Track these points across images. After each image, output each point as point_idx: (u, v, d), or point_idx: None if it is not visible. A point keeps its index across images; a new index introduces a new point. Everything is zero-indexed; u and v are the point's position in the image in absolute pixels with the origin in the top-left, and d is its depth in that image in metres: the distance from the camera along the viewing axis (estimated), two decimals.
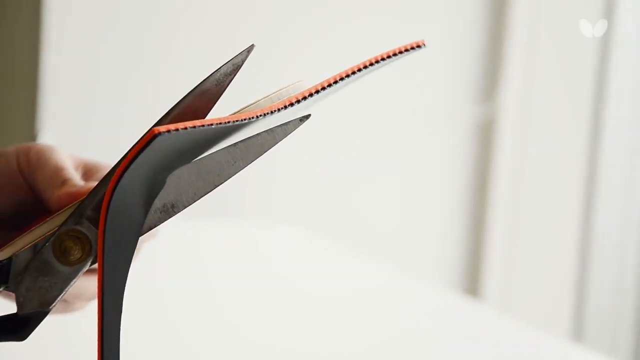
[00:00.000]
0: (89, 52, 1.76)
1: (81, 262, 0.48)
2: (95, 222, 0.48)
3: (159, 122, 0.49)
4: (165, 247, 0.99)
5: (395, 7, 1.97)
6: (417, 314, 1.07)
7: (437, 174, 2.09)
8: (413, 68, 2.00)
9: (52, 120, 1.73)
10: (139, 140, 0.41)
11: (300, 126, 0.51)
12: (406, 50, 0.49)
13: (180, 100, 0.50)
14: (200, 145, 0.46)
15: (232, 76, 0.50)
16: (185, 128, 0.40)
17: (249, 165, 0.48)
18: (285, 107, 0.45)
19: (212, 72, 0.50)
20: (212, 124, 0.42)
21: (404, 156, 2.05)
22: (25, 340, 0.48)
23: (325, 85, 0.47)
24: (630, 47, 2.11)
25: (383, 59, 0.48)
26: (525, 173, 2.13)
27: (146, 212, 0.46)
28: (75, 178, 0.58)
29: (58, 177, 0.57)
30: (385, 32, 1.90)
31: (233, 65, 0.50)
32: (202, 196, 0.48)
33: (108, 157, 0.59)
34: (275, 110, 0.45)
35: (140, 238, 0.46)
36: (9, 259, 0.48)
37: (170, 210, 0.47)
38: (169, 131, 0.39)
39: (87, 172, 0.61)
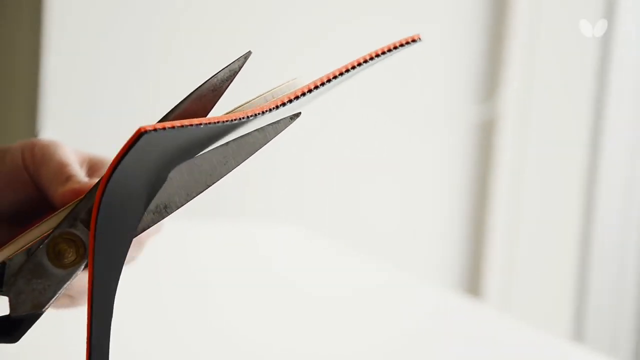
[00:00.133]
0: (89, 52, 1.76)
1: (75, 264, 0.48)
2: (89, 224, 0.48)
3: None
4: (166, 247, 0.99)
5: (395, 7, 1.97)
6: (417, 314, 1.07)
7: (437, 174, 2.09)
8: (413, 68, 2.00)
9: (52, 120, 1.73)
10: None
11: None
12: (401, 45, 0.48)
13: (177, 105, 0.50)
14: (197, 145, 0.45)
15: (228, 82, 0.50)
16: (173, 127, 0.40)
17: (240, 165, 0.48)
18: (277, 107, 0.45)
19: (209, 77, 0.50)
20: (200, 124, 0.42)
21: (404, 156, 2.05)
22: (17, 342, 0.48)
23: (318, 84, 0.46)
24: (631, 47, 2.11)
25: (378, 55, 0.48)
26: (526, 173, 2.13)
27: (144, 211, 0.46)
28: (80, 174, 0.58)
29: (62, 173, 0.57)
30: (385, 32, 1.90)
31: (230, 71, 0.50)
32: (194, 196, 0.48)
33: (108, 157, 0.59)
34: (266, 111, 0.45)
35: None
36: (2, 263, 0.48)
37: (163, 211, 0.47)
38: (155, 130, 0.39)
39: (93, 167, 0.61)
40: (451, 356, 0.92)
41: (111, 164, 0.41)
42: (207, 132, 0.43)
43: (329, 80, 0.46)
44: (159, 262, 1.09)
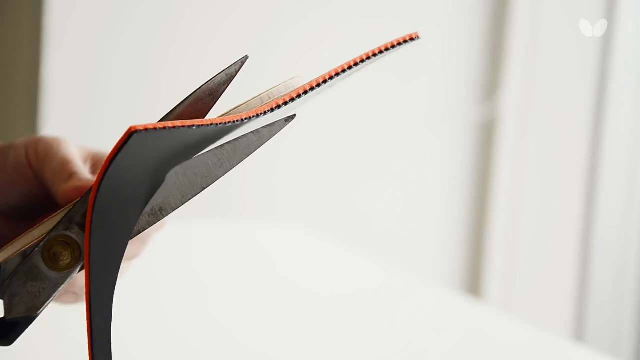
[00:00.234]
0: (89, 51, 1.76)
1: (70, 267, 0.48)
2: (84, 227, 0.48)
3: None
4: (166, 246, 0.99)
5: (395, 7, 1.97)
6: (417, 314, 1.07)
7: (437, 173, 2.09)
8: (414, 68, 2.00)
9: (52, 119, 1.73)
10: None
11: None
12: (399, 43, 0.48)
13: (173, 109, 0.49)
14: (193, 147, 0.45)
15: (225, 86, 0.50)
16: (164, 127, 0.40)
17: (235, 167, 0.48)
18: (272, 109, 0.45)
19: (206, 81, 0.50)
20: (192, 126, 0.41)
21: (404, 156, 2.05)
22: (12, 345, 0.48)
23: (314, 85, 0.46)
24: (631, 47, 2.11)
25: (375, 55, 0.47)
26: (526, 173, 2.13)
27: (141, 213, 0.46)
28: (83, 171, 0.57)
29: (65, 170, 0.57)
30: (385, 32, 1.90)
31: (227, 75, 0.50)
32: (190, 199, 0.47)
33: None
34: (261, 113, 0.45)
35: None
36: None
37: (158, 214, 0.47)
38: (146, 130, 0.39)
39: (97, 163, 0.61)
40: (451, 356, 0.92)
41: (103, 165, 0.41)
42: (201, 134, 0.43)
43: (324, 81, 0.46)
44: (160, 261, 1.09)
